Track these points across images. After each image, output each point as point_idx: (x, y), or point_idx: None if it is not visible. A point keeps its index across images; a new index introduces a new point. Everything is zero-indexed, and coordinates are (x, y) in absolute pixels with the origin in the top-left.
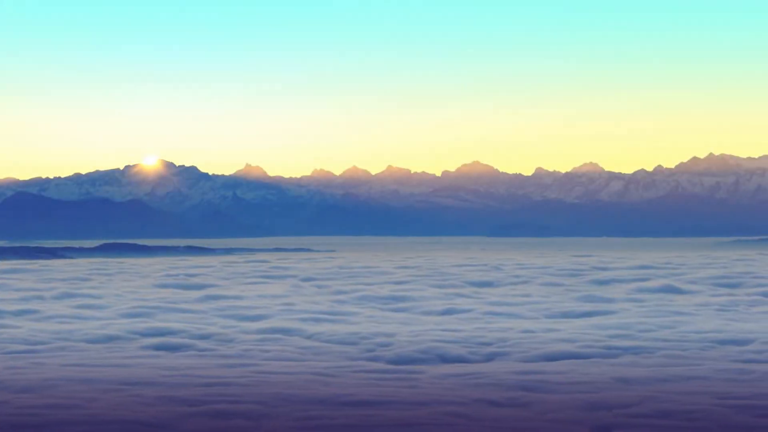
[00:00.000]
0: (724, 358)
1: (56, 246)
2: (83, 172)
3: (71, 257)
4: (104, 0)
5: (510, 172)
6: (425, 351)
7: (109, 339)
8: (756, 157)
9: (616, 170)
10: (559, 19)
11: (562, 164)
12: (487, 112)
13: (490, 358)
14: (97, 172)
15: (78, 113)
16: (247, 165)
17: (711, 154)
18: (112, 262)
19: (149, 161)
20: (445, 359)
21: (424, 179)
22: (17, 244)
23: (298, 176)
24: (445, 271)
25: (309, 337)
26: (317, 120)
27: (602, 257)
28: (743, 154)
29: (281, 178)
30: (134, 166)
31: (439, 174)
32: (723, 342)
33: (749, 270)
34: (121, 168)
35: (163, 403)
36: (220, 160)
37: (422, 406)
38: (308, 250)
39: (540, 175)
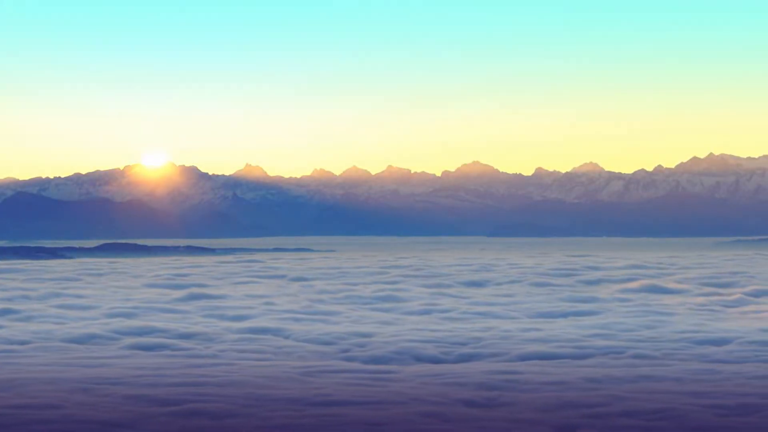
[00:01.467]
0: (699, 359)
1: (56, 246)
2: (83, 172)
3: (71, 257)
4: (104, 0)
5: (510, 172)
6: (400, 351)
7: (89, 339)
8: (756, 157)
9: (616, 170)
10: (560, 19)
11: (562, 164)
12: (487, 112)
13: (464, 358)
14: (97, 172)
15: (78, 113)
16: (247, 165)
17: (711, 154)
18: (108, 262)
19: (149, 161)
20: (419, 359)
21: (424, 179)
22: (17, 244)
23: (298, 176)
24: (436, 271)
25: (287, 337)
26: (317, 120)
27: (597, 257)
28: (743, 154)
29: (281, 178)
30: (134, 166)
31: (439, 174)
32: (701, 342)
33: (740, 270)
34: (121, 168)
35: (132, 402)
36: (220, 160)
37: (391, 405)
38: (308, 250)
39: (540, 175)
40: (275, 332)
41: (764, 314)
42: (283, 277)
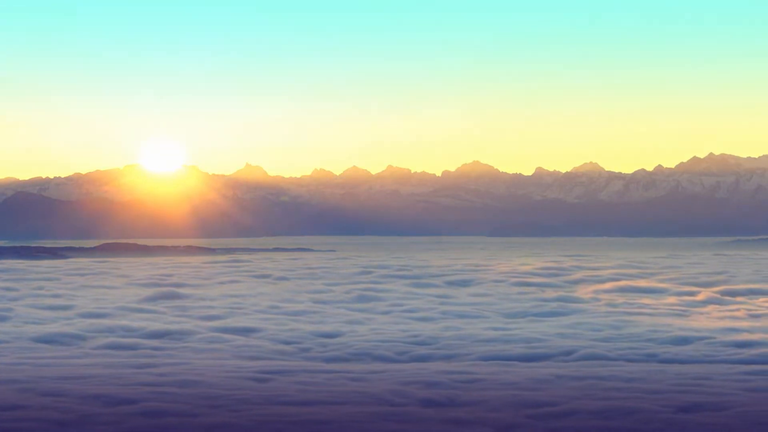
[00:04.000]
0: (653, 359)
1: (56, 246)
2: (83, 172)
3: (71, 257)
4: (103, 1)
5: (510, 172)
6: (361, 351)
7: (56, 338)
8: (756, 156)
9: (616, 170)
10: (558, 19)
11: (562, 164)
12: (487, 112)
13: (422, 358)
14: (97, 172)
15: (78, 113)
16: (247, 165)
17: (711, 153)
18: (99, 262)
19: (149, 161)
20: (378, 359)
21: (424, 179)
22: (17, 244)
23: (298, 176)
24: (422, 272)
25: (252, 336)
26: (317, 120)
27: (589, 257)
28: (743, 153)
29: (281, 178)
30: (134, 166)
31: (439, 174)
32: (662, 342)
33: (726, 270)
34: (121, 168)
35: (84, 402)
36: (220, 160)
37: (341, 405)
38: (308, 250)
39: (540, 175)
40: (241, 332)
41: (729, 314)
42: (267, 276)
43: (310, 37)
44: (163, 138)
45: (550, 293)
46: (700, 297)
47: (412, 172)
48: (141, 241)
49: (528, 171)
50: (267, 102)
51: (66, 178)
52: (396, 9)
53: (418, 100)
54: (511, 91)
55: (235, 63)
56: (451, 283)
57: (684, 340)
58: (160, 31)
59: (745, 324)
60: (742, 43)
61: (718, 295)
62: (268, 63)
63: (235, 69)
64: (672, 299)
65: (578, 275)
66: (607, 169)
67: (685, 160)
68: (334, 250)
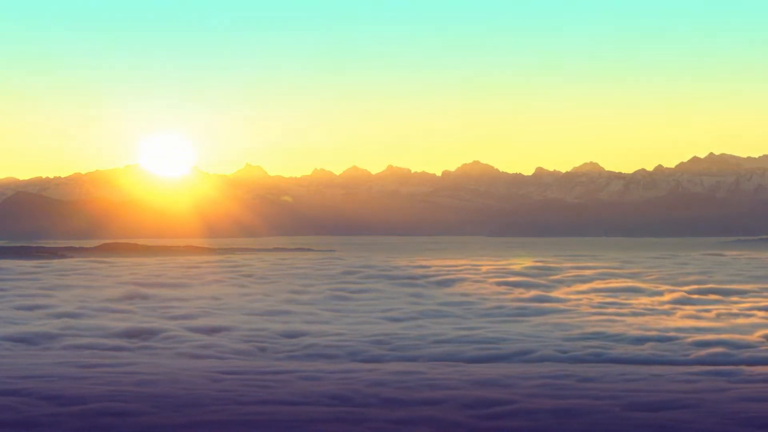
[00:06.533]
0: (610, 359)
1: (56, 246)
2: (83, 172)
3: (71, 257)
4: (103, 1)
5: (510, 172)
6: (316, 351)
7: (25, 338)
8: (756, 156)
9: (616, 170)
10: (559, 19)
11: (562, 164)
12: (487, 112)
13: (375, 358)
14: (97, 171)
15: (78, 113)
16: (247, 165)
17: (711, 153)
18: (93, 262)
19: (149, 161)
20: (330, 358)
21: (424, 179)
22: (17, 244)
23: (298, 176)
24: (404, 272)
25: (219, 336)
26: (317, 120)
27: (582, 257)
28: (743, 153)
29: (281, 178)
30: (134, 166)
31: (439, 174)
32: (622, 342)
33: (710, 270)
34: (121, 168)
35: (27, 401)
36: (220, 160)
37: (287, 405)
38: (309, 250)
39: (540, 175)
40: (206, 331)
41: (695, 314)
42: (251, 276)
43: (309, 38)
44: (163, 138)
45: (526, 293)
46: (672, 297)
47: (412, 172)
48: (142, 241)
49: (528, 171)
50: (267, 102)
51: (66, 178)
52: (395, 9)
53: (418, 100)
54: (512, 91)
55: (234, 63)
56: (431, 283)
57: (643, 340)
58: (159, 32)
59: (707, 324)
60: (742, 44)
61: (691, 295)
62: (268, 63)
63: (235, 69)
64: (645, 299)
65: (561, 275)
66: (607, 169)
67: (685, 160)
68: (333, 250)
